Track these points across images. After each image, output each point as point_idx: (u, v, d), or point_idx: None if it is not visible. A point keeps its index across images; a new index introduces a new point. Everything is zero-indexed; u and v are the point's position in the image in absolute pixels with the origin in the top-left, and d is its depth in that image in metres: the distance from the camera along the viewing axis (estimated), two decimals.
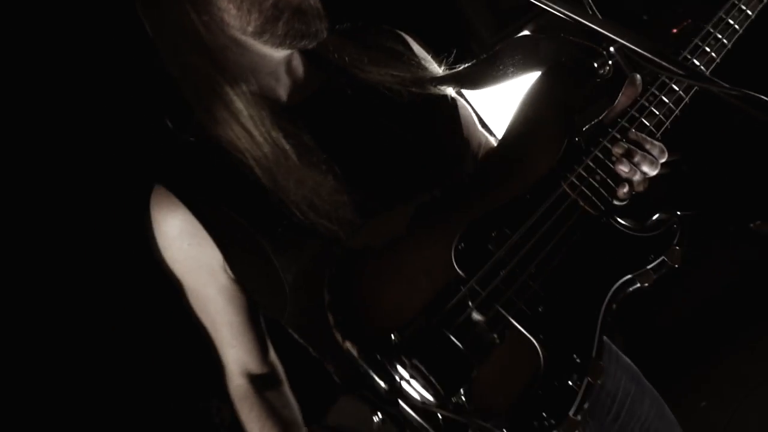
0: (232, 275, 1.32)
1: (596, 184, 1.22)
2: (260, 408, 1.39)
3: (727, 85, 1.01)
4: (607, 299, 1.18)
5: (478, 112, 1.60)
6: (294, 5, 1.24)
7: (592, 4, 1.28)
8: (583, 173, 1.22)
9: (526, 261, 1.15)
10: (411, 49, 1.50)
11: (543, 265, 1.16)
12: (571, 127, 1.26)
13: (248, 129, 1.22)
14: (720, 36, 1.36)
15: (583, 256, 1.19)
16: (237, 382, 1.42)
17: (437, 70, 1.50)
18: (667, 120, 1.28)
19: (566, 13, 1.00)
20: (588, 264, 1.19)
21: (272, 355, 1.47)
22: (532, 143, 1.25)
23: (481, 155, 1.49)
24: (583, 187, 1.21)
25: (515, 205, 1.19)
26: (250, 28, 1.25)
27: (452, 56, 1.52)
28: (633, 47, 0.97)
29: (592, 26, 1.01)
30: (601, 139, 1.24)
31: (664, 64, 0.96)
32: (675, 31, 2.66)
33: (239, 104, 1.23)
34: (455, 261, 1.13)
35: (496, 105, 1.66)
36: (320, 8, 1.28)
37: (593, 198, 1.21)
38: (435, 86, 1.41)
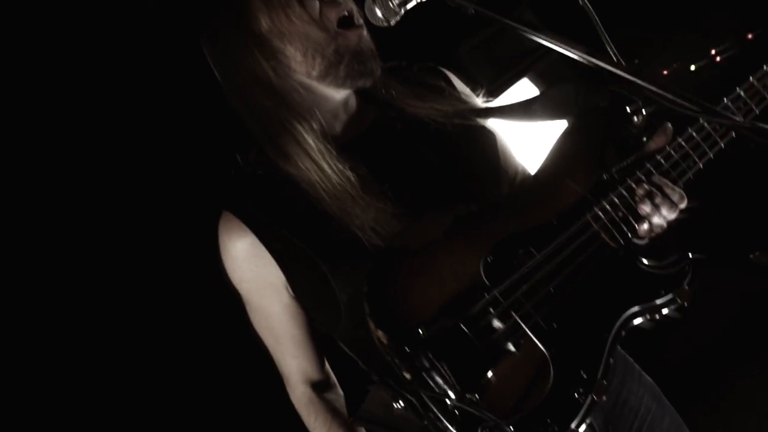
0: (292, 293, 1.44)
1: (618, 220, 1.33)
2: (325, 410, 1.50)
3: (737, 118, 1.12)
4: (616, 325, 1.28)
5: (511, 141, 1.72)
6: (352, 49, 1.39)
7: (616, 51, 1.37)
8: (607, 207, 1.33)
9: (547, 280, 1.26)
10: (452, 84, 1.63)
11: (561, 286, 1.27)
12: (601, 165, 1.38)
13: (318, 162, 1.34)
14: (749, 101, 1.46)
15: (599, 283, 1.30)
16: (300, 390, 1.53)
17: (477, 102, 1.63)
18: (689, 170, 1.39)
19: (585, 57, 1.11)
20: (603, 291, 1.30)
21: (326, 363, 1.58)
22: (565, 175, 1.36)
23: (517, 182, 1.61)
24: (605, 220, 1.33)
25: (543, 228, 1.31)
26: (314, 72, 1.39)
27: (483, 91, 1.65)
28: (647, 85, 1.07)
29: (612, 69, 1.11)
30: (627, 179, 1.36)
31: (677, 100, 1.04)
32: (665, 73, 2.80)
33: (309, 140, 1.36)
34: (483, 271, 1.25)
35: (525, 135, 1.78)
36: (374, 49, 1.43)
37: (614, 231, 1.33)
38: (476, 118, 1.54)
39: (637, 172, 1.36)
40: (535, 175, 1.40)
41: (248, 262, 1.42)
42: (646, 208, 1.32)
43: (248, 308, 1.52)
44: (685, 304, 1.32)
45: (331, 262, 1.34)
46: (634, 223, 1.33)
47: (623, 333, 1.30)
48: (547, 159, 1.39)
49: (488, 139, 1.55)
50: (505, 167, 1.57)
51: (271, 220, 1.37)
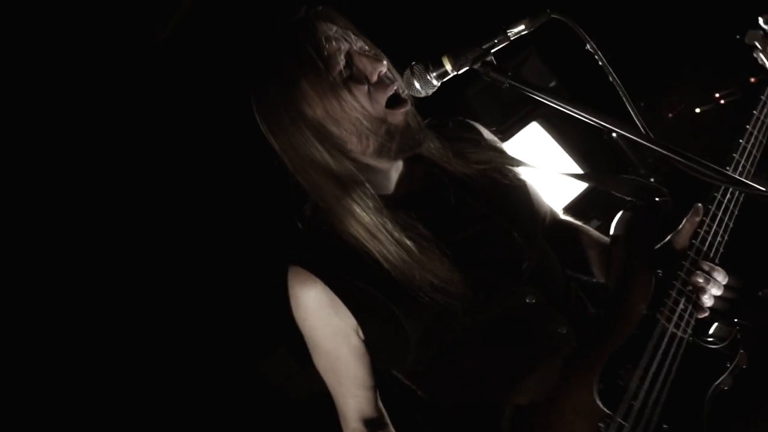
0: (362, 336, 1.52)
1: (683, 313, 1.51)
2: None
3: (759, 187, 1.29)
4: (705, 405, 1.48)
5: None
6: (402, 127, 1.46)
7: (644, 123, 1.49)
8: (672, 305, 1.50)
9: (650, 388, 1.43)
10: (484, 137, 1.74)
11: (661, 389, 1.44)
12: (653, 263, 1.54)
13: (375, 234, 1.42)
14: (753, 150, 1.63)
15: (684, 374, 1.48)
16: (353, 425, 1.63)
17: (508, 152, 1.75)
18: (720, 246, 1.58)
19: (612, 128, 1.20)
20: (688, 380, 1.48)
21: (379, 401, 1.68)
22: (631, 286, 1.51)
23: (547, 223, 1.77)
24: (674, 318, 1.50)
25: (629, 341, 1.46)
26: (369, 151, 1.46)
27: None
28: (673, 156, 1.15)
29: (640, 141, 1.21)
30: (679, 273, 1.52)
31: (701, 168, 1.13)
32: (671, 115, 3.02)
33: (365, 217, 1.43)
34: (599, 401, 1.38)
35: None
36: (420, 120, 1.51)
37: (683, 324, 1.50)
38: (511, 168, 1.67)
39: (684, 263, 1.53)
40: (608, 294, 1.53)
41: (320, 311, 1.49)
42: (706, 297, 1.49)
43: (314, 352, 1.60)
44: (744, 367, 1.54)
45: (401, 305, 1.44)
46: (694, 311, 1.52)
47: (710, 410, 1.50)
48: (612, 274, 1.53)
49: (522, 187, 1.69)
50: (538, 211, 1.73)
51: (337, 268, 1.46)
